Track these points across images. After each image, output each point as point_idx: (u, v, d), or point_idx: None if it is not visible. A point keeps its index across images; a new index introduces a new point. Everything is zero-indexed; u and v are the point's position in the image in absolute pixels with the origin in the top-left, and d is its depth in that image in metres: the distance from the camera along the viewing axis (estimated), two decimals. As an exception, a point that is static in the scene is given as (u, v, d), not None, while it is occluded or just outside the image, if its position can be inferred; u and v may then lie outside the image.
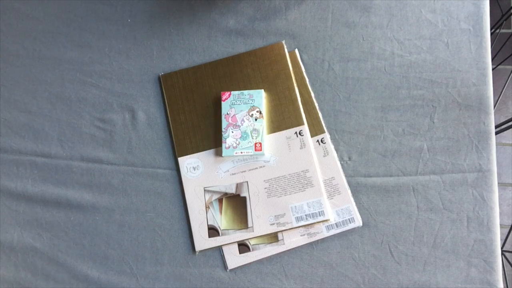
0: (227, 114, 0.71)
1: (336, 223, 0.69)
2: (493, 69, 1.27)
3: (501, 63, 1.15)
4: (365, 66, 0.72)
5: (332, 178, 0.70)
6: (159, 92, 0.76)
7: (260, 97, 0.71)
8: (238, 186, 0.71)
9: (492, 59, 1.24)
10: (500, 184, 1.29)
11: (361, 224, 0.69)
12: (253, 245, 0.70)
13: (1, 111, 0.79)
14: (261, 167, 0.71)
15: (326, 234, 0.69)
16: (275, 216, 0.70)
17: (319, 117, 0.72)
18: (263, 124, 0.70)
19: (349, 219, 0.69)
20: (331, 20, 0.74)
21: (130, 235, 0.73)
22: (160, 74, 0.76)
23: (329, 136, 0.72)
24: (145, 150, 0.75)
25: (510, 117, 1.12)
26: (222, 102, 0.72)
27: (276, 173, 0.71)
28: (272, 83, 0.73)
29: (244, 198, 0.71)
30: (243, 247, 0.70)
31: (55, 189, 0.76)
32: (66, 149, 0.76)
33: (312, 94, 0.73)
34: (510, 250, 1.21)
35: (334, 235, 0.70)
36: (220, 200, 0.72)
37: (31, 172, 0.77)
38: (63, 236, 0.75)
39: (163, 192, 0.74)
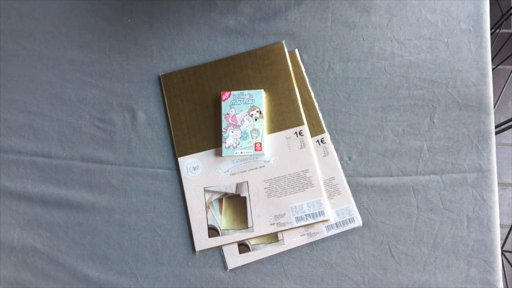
0: (227, 114, 0.71)
1: (336, 223, 0.69)
2: (493, 69, 1.27)
3: (501, 63, 1.15)
4: (365, 66, 0.72)
5: (332, 178, 0.70)
6: (159, 92, 0.76)
7: (260, 97, 0.71)
8: (238, 186, 0.71)
9: (492, 59, 1.24)
10: (500, 184, 1.29)
11: (361, 224, 0.69)
12: (253, 245, 0.70)
13: (1, 111, 0.79)
14: (261, 167, 0.71)
15: (326, 234, 0.69)
16: (275, 216, 0.70)
17: (319, 117, 0.72)
18: (263, 124, 0.70)
19: (349, 219, 0.69)
20: (331, 20, 0.74)
21: (130, 235, 0.73)
22: (160, 74, 0.76)
23: (329, 136, 0.72)
24: (145, 150, 0.75)
25: (510, 117, 1.12)
26: (222, 102, 0.72)
27: (276, 173, 0.71)
28: (272, 83, 0.73)
29: (244, 198, 0.71)
30: (243, 247, 0.70)
31: (55, 189, 0.76)
32: (66, 149, 0.76)
33: (312, 94, 0.73)
34: (510, 250, 1.21)
35: (334, 235, 0.70)
36: (220, 200, 0.72)
37: (31, 172, 0.77)
38: (63, 236, 0.75)
39: (163, 192, 0.74)
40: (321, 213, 0.69)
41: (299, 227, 0.69)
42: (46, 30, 0.80)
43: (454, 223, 0.68)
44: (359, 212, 0.70)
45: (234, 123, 0.71)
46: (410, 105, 0.71)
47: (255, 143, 0.70)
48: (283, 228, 0.70)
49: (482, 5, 0.71)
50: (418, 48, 0.72)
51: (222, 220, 0.71)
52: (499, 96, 1.17)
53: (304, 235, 0.70)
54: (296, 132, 0.71)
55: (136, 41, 0.77)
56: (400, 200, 0.69)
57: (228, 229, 0.71)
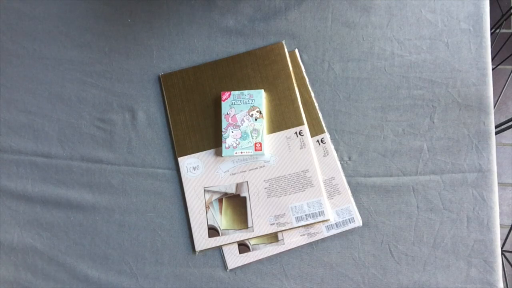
0: (227, 114, 0.71)
1: (336, 223, 0.69)
2: (493, 69, 1.27)
3: (501, 63, 1.14)
4: (365, 66, 0.72)
5: (332, 178, 0.70)
6: (159, 92, 0.76)
7: (260, 97, 0.71)
8: (238, 186, 0.71)
9: (492, 59, 1.24)
10: (500, 184, 1.29)
11: (361, 224, 0.69)
12: (253, 245, 0.70)
13: (1, 111, 0.79)
14: (261, 167, 0.71)
15: (326, 234, 0.69)
16: (275, 216, 0.70)
17: (319, 117, 0.72)
18: (263, 124, 0.70)
19: (349, 219, 0.69)
20: (331, 20, 0.74)
21: (130, 235, 0.73)
22: (160, 74, 0.76)
23: (329, 136, 0.72)
24: (145, 150, 0.75)
25: (510, 117, 1.12)
26: (222, 102, 0.72)
27: (276, 173, 0.71)
28: (272, 83, 0.73)
29: (244, 198, 0.71)
30: (243, 247, 0.70)
31: (55, 189, 0.76)
32: (66, 149, 0.76)
33: (312, 94, 0.73)
34: (510, 250, 1.21)
35: (334, 235, 0.70)
36: (220, 200, 0.72)
37: (31, 172, 0.77)
38: (63, 236, 0.75)
39: (163, 192, 0.74)
40: (321, 213, 0.69)
41: (299, 227, 0.69)
42: (46, 30, 0.80)
43: (454, 223, 0.68)
44: (359, 212, 0.70)
45: (234, 123, 0.71)
46: (410, 105, 0.71)
47: (255, 143, 0.70)
48: (283, 228, 0.70)
49: (482, 5, 0.71)
50: (418, 48, 0.72)
51: (222, 220, 0.71)
52: (499, 96, 1.17)
53: (304, 235, 0.70)
54: (296, 132, 0.71)
55: (136, 41, 0.77)
56: (400, 200, 0.69)
57: (228, 229, 0.71)
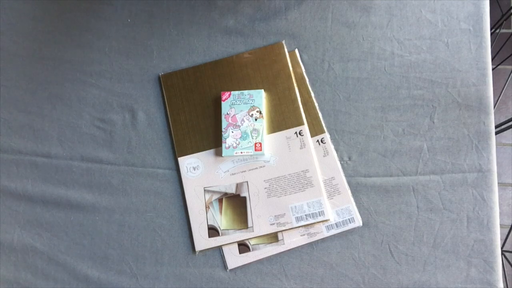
0: (227, 114, 0.71)
1: (336, 223, 0.69)
2: (493, 69, 1.27)
3: (501, 63, 1.14)
4: (365, 66, 0.72)
5: (332, 178, 0.70)
6: (159, 92, 0.76)
7: (260, 97, 0.71)
8: (238, 186, 0.71)
9: (492, 59, 1.24)
10: (500, 184, 1.29)
11: (361, 224, 0.69)
12: (253, 245, 0.70)
13: (1, 111, 0.79)
14: (261, 167, 0.71)
15: (326, 234, 0.69)
16: (275, 216, 0.70)
17: (319, 117, 0.72)
18: (263, 124, 0.70)
19: (349, 219, 0.69)
20: (331, 20, 0.74)
21: (130, 235, 0.73)
22: (160, 74, 0.76)
23: (329, 136, 0.72)
24: (145, 150, 0.75)
25: (510, 117, 1.12)
26: (222, 102, 0.72)
27: (276, 173, 0.71)
28: (272, 83, 0.73)
29: (244, 198, 0.71)
30: (243, 247, 0.70)
31: (55, 189, 0.76)
32: (66, 149, 0.76)
33: (312, 94, 0.73)
34: (510, 250, 1.21)
35: (334, 235, 0.70)
36: (220, 200, 0.72)
37: (31, 172, 0.77)
38: (63, 236, 0.75)
39: (163, 192, 0.74)
40: (321, 213, 0.69)
41: (299, 227, 0.69)
42: (46, 30, 0.80)
43: (454, 223, 0.68)
44: (359, 212, 0.70)
45: (234, 123, 0.71)
46: (410, 105, 0.71)
47: (255, 143, 0.70)
48: (283, 228, 0.70)
49: (482, 5, 0.71)
50: (418, 48, 0.72)
51: (222, 220, 0.71)
52: (499, 96, 1.17)
53: (304, 235, 0.70)
54: (296, 132, 0.71)
55: (136, 41, 0.77)
56: (400, 200, 0.69)
57: (228, 229, 0.71)
